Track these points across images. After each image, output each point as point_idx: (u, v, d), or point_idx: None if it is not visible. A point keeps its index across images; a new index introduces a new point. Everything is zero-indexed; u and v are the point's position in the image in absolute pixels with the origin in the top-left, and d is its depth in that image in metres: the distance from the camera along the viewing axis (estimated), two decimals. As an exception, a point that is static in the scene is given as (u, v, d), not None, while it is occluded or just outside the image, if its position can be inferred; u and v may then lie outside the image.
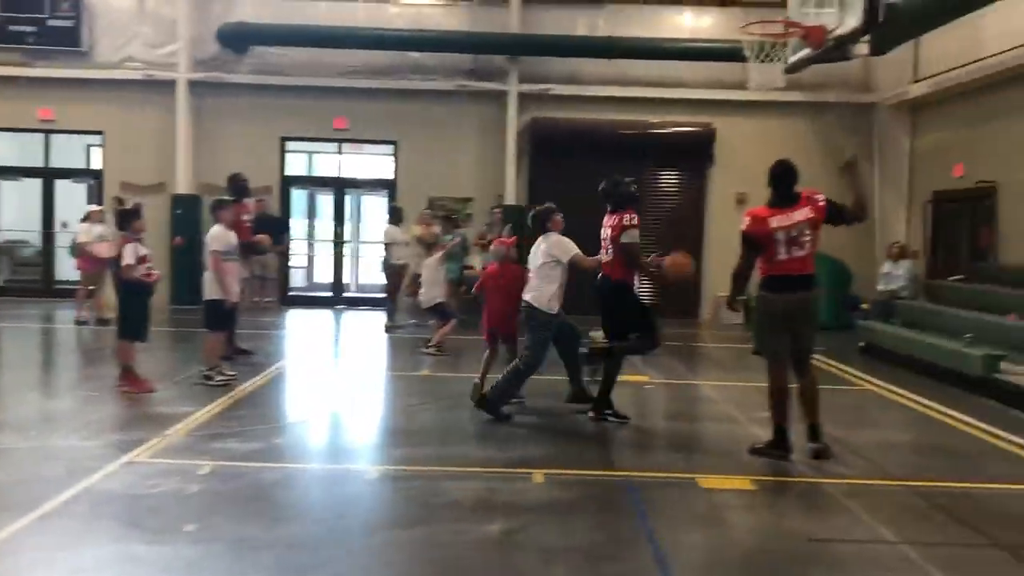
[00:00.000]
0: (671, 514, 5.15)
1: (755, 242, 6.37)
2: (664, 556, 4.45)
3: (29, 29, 15.84)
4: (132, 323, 8.11)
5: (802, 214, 6.34)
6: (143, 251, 8.12)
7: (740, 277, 6.59)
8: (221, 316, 8.70)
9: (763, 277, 6.44)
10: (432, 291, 11.36)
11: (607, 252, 7.54)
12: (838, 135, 16.19)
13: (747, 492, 5.60)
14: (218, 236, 8.67)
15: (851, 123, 16.16)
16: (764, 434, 7.13)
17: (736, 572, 4.44)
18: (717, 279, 16.22)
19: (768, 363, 6.44)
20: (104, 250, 12.57)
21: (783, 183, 6.58)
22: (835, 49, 10.29)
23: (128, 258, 8.02)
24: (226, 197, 9.69)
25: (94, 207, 13.54)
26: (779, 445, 6.29)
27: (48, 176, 16.73)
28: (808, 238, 6.29)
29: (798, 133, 16.18)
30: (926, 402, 8.66)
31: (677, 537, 4.77)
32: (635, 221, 7.43)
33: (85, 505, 4.97)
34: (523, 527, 4.80)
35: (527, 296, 7.43)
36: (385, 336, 12.79)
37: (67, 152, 17.11)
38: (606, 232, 7.64)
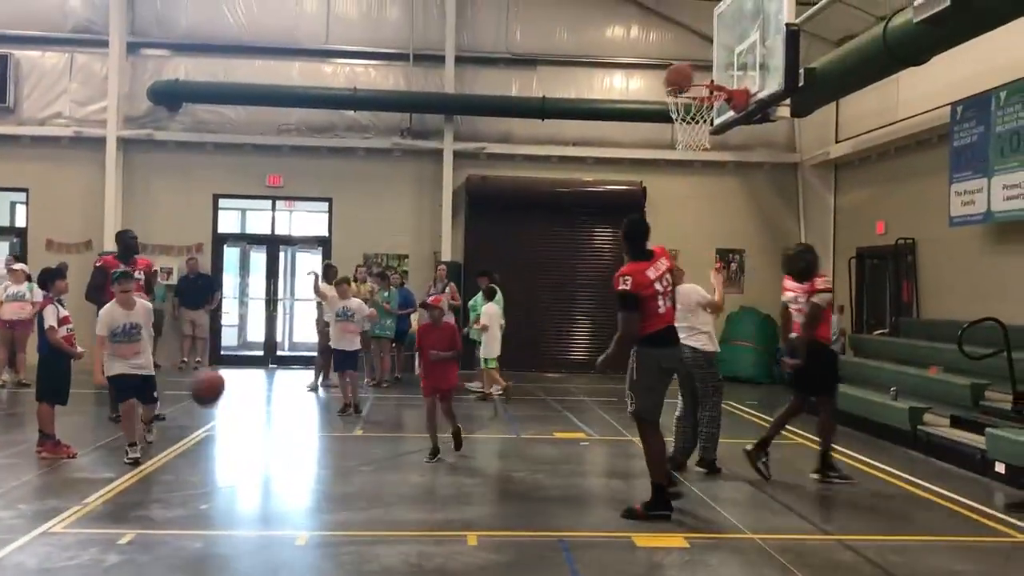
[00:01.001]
0: (605, 574, 5.11)
1: (637, 299, 6.27)
2: (598, 618, 4.40)
3: (-48, 85, 15.50)
4: (52, 386, 7.87)
5: (664, 265, 6.53)
6: (63, 312, 7.89)
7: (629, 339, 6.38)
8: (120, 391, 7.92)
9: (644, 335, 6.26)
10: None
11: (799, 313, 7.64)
12: (765, 193, 16.70)
13: (682, 550, 5.60)
14: (104, 317, 7.78)
15: (777, 181, 16.69)
16: (698, 489, 7.19)
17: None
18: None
19: (650, 423, 6.37)
20: (10, 311, 12.18)
21: (642, 238, 6.69)
22: (758, 111, 10.62)
23: (49, 319, 7.80)
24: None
25: (16, 266, 13.08)
26: (659, 504, 6.24)
27: (-31, 234, 16.23)
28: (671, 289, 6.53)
29: (727, 191, 16.66)
30: (854, 455, 8.82)
31: (611, 598, 4.73)
32: (829, 285, 7.76)
33: (-5, 581, 4.73)
34: (456, 592, 4.71)
35: (698, 344, 7.65)
36: (318, 394, 12.58)
37: (-10, 209, 16.66)
38: (793, 296, 7.76)
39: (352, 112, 16.17)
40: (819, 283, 7.57)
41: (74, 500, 6.29)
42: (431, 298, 8.67)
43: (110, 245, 15.61)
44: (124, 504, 6.29)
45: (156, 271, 12.76)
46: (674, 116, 11.09)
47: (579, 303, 16.66)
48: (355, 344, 11.01)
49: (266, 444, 9.18)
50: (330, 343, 11.24)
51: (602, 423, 10.63)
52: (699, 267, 16.33)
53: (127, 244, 10.28)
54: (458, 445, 8.33)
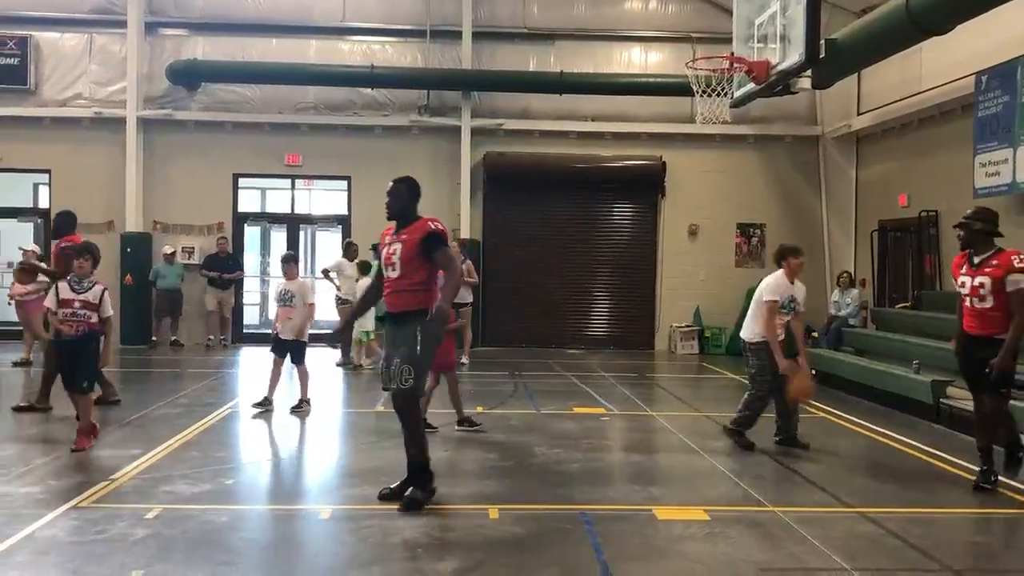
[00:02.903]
0: (626, 547, 5.14)
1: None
2: (620, 590, 4.43)
3: (-27, 67, 15.62)
4: (90, 372, 7.39)
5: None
6: (67, 294, 7.20)
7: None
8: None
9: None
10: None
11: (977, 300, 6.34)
12: (786, 167, 16.56)
13: (702, 523, 5.61)
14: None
15: (798, 154, 16.53)
16: (721, 464, 7.20)
17: (692, 604, 4.43)
18: (670, 310, 16.42)
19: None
20: (18, 291, 12.23)
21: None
22: (778, 83, 10.53)
23: (47, 301, 7.35)
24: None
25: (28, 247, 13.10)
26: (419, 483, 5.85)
27: (-8, 215, 16.39)
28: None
29: (747, 165, 16.53)
30: (877, 428, 8.79)
31: (632, 570, 4.75)
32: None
33: (26, 555, 4.82)
34: (478, 564, 4.76)
35: (745, 332, 7.85)
36: (339, 372, 12.67)
37: (14, 191, 16.79)
38: (974, 279, 6.36)
39: (369, 90, 16.15)
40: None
41: (102, 476, 6.39)
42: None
43: (132, 225, 15.78)
44: (151, 479, 6.38)
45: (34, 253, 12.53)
46: (694, 89, 11.02)
47: (598, 279, 16.64)
48: (291, 332, 9.31)
49: (289, 420, 9.26)
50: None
51: (622, 398, 10.64)
52: (720, 242, 16.40)
53: (64, 222, 9.81)
54: (468, 424, 8.42)
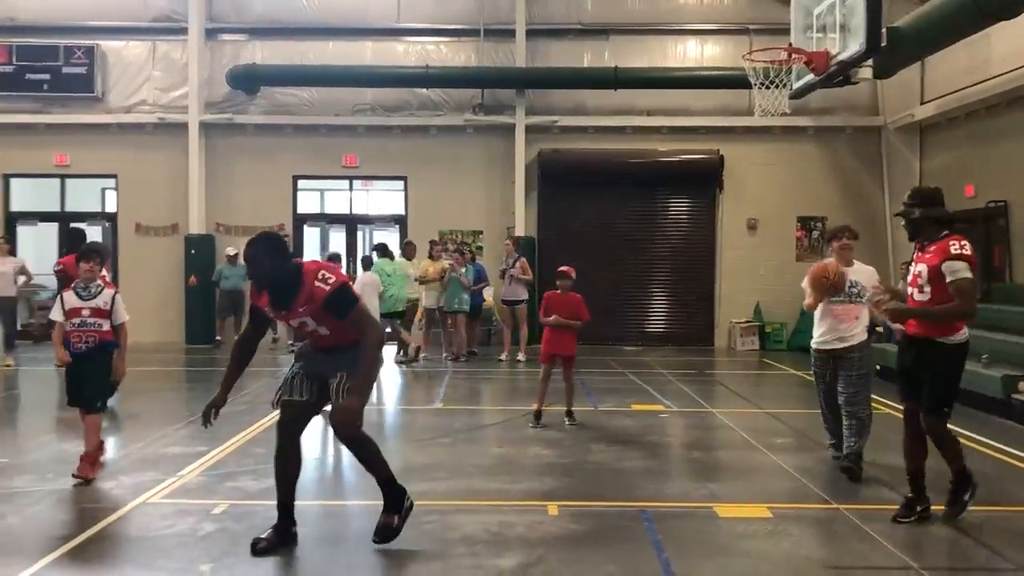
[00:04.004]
0: (687, 544, 5.10)
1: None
2: (681, 587, 4.40)
3: (44, 77, 16.13)
4: (102, 389, 6.58)
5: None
6: (74, 303, 6.35)
7: None
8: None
9: None
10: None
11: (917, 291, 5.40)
12: (847, 158, 16.24)
13: (765, 520, 5.54)
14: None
15: (860, 146, 16.20)
16: (783, 461, 7.10)
17: (754, 602, 4.38)
18: (730, 305, 16.22)
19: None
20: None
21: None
22: (838, 73, 10.34)
23: (53, 314, 6.47)
24: None
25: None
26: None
27: (64, 220, 16.90)
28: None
29: (807, 157, 16.26)
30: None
31: (693, 567, 4.71)
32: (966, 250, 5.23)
33: (99, 548, 4.97)
34: (538, 560, 4.77)
35: (859, 333, 6.64)
36: (398, 370, 12.80)
37: (82, 195, 17.32)
38: (915, 267, 5.50)
39: (424, 90, 16.27)
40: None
41: (170, 472, 6.55)
42: (564, 267, 8.75)
43: (196, 228, 16.15)
44: (217, 476, 6.53)
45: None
46: (752, 81, 10.89)
47: (655, 275, 16.52)
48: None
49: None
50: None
51: (681, 395, 10.55)
52: (780, 236, 16.15)
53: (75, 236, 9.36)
54: (569, 418, 8.56)
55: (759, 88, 11.00)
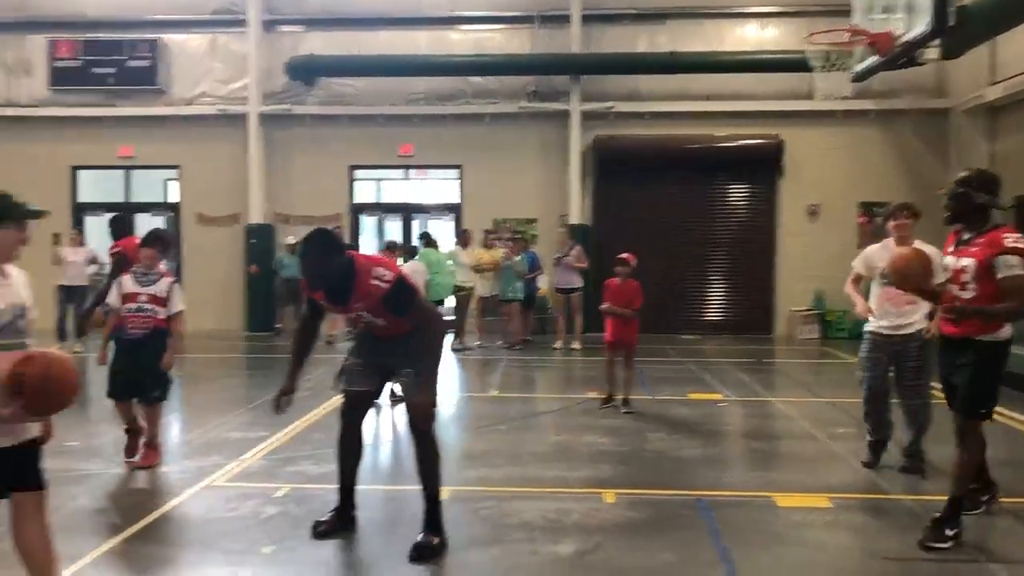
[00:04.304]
0: (745, 533, 5.04)
1: None
2: (740, 576, 4.36)
3: (110, 71, 16.54)
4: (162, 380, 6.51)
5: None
6: (132, 287, 6.35)
7: None
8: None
9: None
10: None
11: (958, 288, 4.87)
12: (912, 142, 15.83)
13: (824, 510, 5.46)
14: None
15: (925, 130, 15.78)
16: (843, 450, 6.98)
17: (815, 593, 4.32)
18: (789, 293, 15.96)
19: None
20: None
21: None
22: (903, 55, 10.08)
23: (111, 296, 6.51)
24: None
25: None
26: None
27: (129, 210, 17.28)
28: None
29: (870, 141, 15.89)
30: (1015, 416, 8.32)
31: (751, 556, 4.66)
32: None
33: (165, 529, 5.11)
34: (595, 547, 4.77)
35: (917, 321, 6.17)
36: (454, 358, 12.88)
37: (146, 187, 17.74)
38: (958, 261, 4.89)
39: (479, 78, 16.29)
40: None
41: (233, 456, 6.69)
42: (623, 255, 8.74)
43: (256, 217, 16.41)
44: (278, 460, 6.65)
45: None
46: (812, 65, 10.67)
47: (713, 263, 16.34)
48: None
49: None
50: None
51: (739, 384, 10.43)
52: (842, 222, 15.82)
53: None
54: (625, 405, 8.55)
55: (820, 71, 10.77)
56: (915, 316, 6.20)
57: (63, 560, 3.89)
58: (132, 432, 6.51)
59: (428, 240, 13.28)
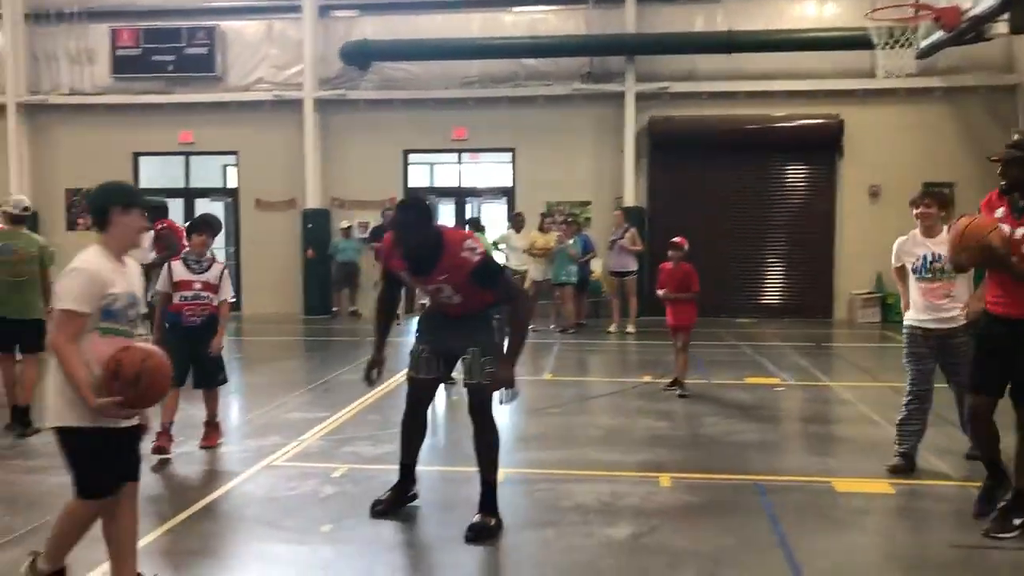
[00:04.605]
0: (804, 518, 4.98)
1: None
2: (797, 562, 4.30)
3: (169, 58, 16.84)
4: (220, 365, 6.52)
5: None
6: (184, 275, 6.27)
7: None
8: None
9: None
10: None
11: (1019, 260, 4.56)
12: (979, 120, 15.34)
13: (886, 496, 5.36)
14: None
15: (993, 107, 15.26)
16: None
17: (876, 579, 4.25)
18: (849, 276, 15.64)
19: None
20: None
21: None
22: (970, 30, 9.77)
23: (161, 282, 6.33)
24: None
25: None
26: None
27: (189, 196, 17.68)
28: None
29: (935, 120, 15.44)
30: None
31: (810, 542, 4.60)
32: None
33: (228, 507, 5.22)
34: (651, 530, 4.75)
35: (957, 315, 5.70)
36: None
37: (205, 172, 18.06)
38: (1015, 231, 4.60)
39: (532, 60, 16.21)
40: None
41: (292, 437, 6.81)
42: (676, 238, 8.67)
43: (312, 202, 16.61)
44: (336, 441, 6.75)
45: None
46: (875, 41, 10.41)
47: (771, 245, 16.08)
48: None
49: (460, 386, 9.54)
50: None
51: (797, 368, 10.28)
52: (904, 203, 15.37)
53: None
54: (676, 385, 8.53)
55: (883, 48, 10.51)
56: (954, 311, 5.68)
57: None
58: (165, 433, 6.21)
59: (476, 224, 13.34)
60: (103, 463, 3.52)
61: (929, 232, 5.78)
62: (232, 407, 8.13)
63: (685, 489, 5.49)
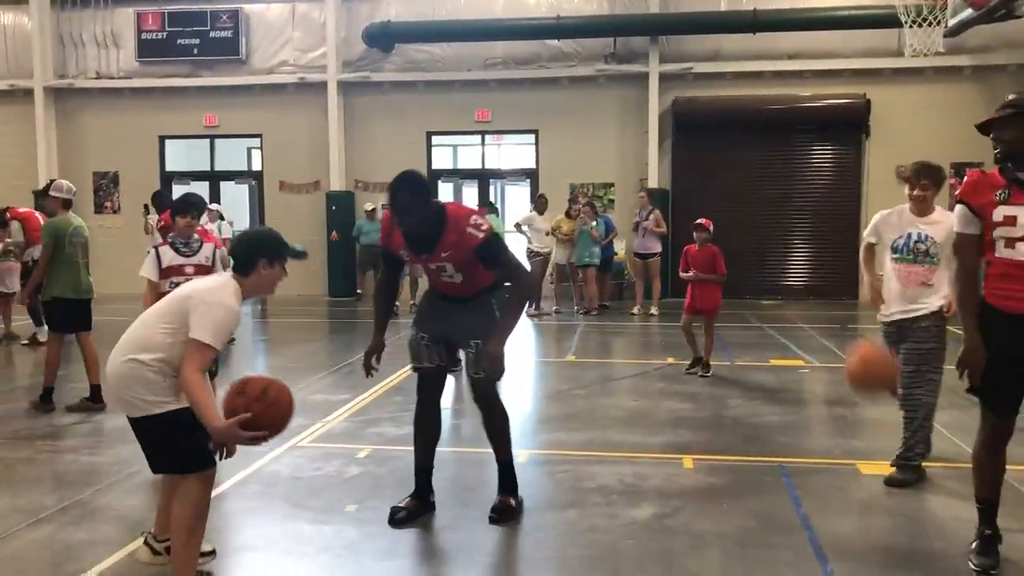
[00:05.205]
0: (827, 500, 4.97)
1: None
2: (820, 543, 4.30)
3: (194, 42, 16.93)
4: None
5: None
6: (173, 259, 5.83)
7: None
8: None
9: None
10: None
11: None
12: (1008, 99, 15.08)
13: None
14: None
15: (1023, 85, 15.01)
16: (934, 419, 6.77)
17: (898, 561, 4.23)
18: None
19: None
20: None
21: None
22: (1000, 7, 9.59)
23: (147, 270, 5.82)
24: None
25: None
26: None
27: (214, 179, 17.80)
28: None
29: (965, 100, 15.19)
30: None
31: (834, 524, 4.59)
32: None
33: (255, 486, 5.28)
34: (674, 512, 4.76)
35: (932, 303, 5.13)
36: (530, 323, 12.92)
37: (230, 155, 18.17)
38: None
39: (556, 41, 16.13)
40: None
41: (317, 418, 6.87)
42: (700, 220, 8.64)
43: (336, 184, 16.67)
44: (360, 422, 6.80)
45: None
46: (903, 19, 10.26)
47: (796, 226, 15.97)
48: None
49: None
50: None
51: (822, 350, 10.22)
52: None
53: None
54: (704, 369, 8.51)
55: (910, 27, 10.36)
56: (929, 298, 5.13)
57: (152, 521, 4.11)
58: None
59: (490, 207, 13.39)
60: (199, 435, 3.58)
61: (922, 212, 5.20)
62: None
63: (708, 471, 5.49)
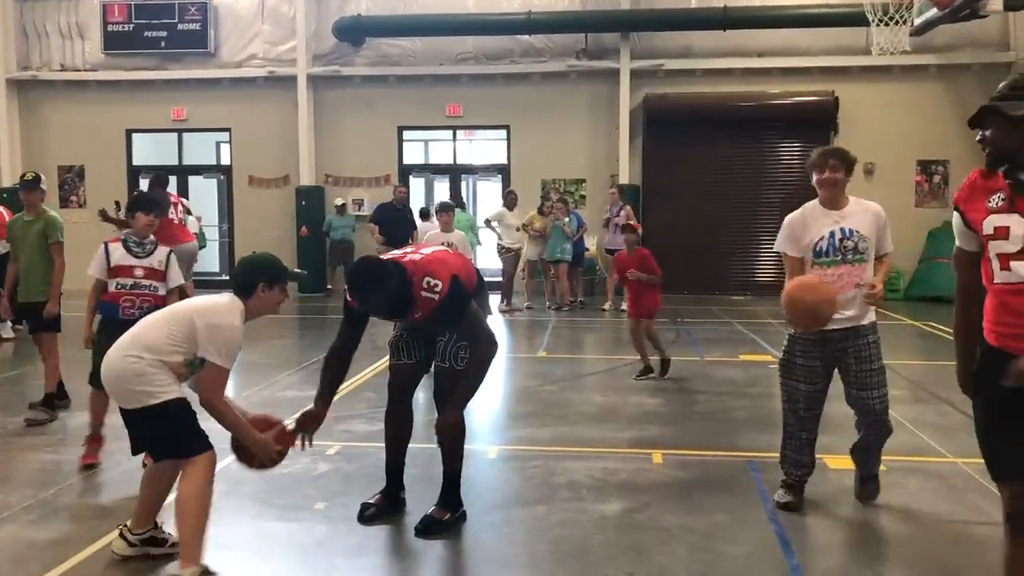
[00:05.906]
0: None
1: None
2: (788, 538, 4.34)
3: (162, 34, 16.72)
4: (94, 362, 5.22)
5: None
6: (123, 259, 5.43)
7: None
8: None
9: None
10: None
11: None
12: (975, 98, 15.28)
13: (879, 474, 5.38)
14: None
15: (988, 85, 15.11)
16: (897, 413, 6.87)
17: (862, 554, 4.29)
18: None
19: None
20: None
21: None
22: (965, 7, 9.73)
23: (94, 268, 5.46)
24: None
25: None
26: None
27: (182, 173, 17.59)
28: None
29: (929, 97, 15.43)
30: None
31: (800, 518, 4.64)
32: None
33: (223, 484, 5.19)
34: (643, 507, 4.78)
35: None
36: (501, 318, 12.92)
37: (198, 149, 17.97)
38: None
39: (527, 36, 16.12)
40: None
41: (286, 415, 6.73)
42: (631, 222, 8.61)
43: (306, 179, 16.54)
44: (330, 419, 6.71)
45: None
46: (870, 18, 10.37)
47: (765, 223, 16.04)
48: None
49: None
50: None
51: (790, 345, 10.30)
52: (898, 181, 15.43)
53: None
54: (663, 372, 8.30)
55: (877, 25, 10.46)
56: (867, 307, 4.59)
57: (117, 518, 4.06)
58: (94, 437, 5.59)
59: (447, 207, 13.33)
60: (195, 419, 3.92)
61: (835, 203, 4.62)
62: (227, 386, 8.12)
63: (677, 465, 5.52)
